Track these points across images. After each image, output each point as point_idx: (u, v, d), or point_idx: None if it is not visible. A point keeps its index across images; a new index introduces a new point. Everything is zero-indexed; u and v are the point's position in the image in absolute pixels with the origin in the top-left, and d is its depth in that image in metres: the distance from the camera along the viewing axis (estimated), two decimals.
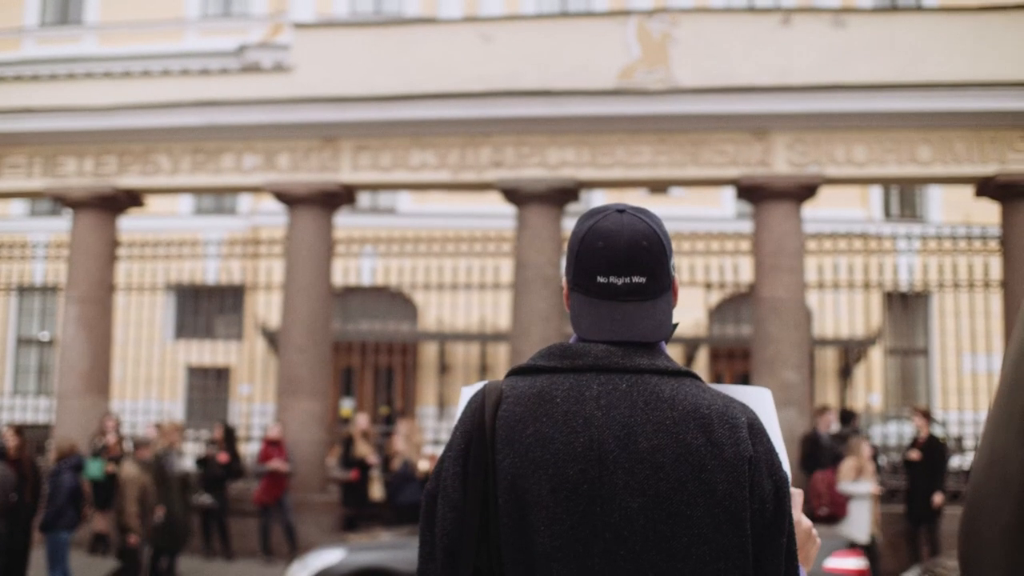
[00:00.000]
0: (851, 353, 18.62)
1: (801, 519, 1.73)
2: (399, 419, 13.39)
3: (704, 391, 1.66)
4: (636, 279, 1.68)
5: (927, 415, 11.70)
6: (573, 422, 1.61)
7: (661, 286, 1.71)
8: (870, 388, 17.68)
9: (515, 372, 1.73)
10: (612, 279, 1.68)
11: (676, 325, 1.76)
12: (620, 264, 1.67)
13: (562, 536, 1.57)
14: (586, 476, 1.58)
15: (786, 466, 1.68)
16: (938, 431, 12.82)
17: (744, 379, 15.63)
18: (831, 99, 11.99)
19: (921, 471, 11.35)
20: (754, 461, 1.60)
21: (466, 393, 1.77)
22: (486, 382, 1.74)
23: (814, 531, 1.77)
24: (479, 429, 1.66)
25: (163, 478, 10.61)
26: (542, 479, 1.59)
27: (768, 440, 1.66)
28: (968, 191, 13.09)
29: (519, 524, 1.59)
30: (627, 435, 1.59)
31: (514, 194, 12.69)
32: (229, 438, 12.90)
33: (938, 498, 11.08)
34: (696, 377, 1.70)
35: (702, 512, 1.56)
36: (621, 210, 1.73)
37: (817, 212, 15.81)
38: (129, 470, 10.10)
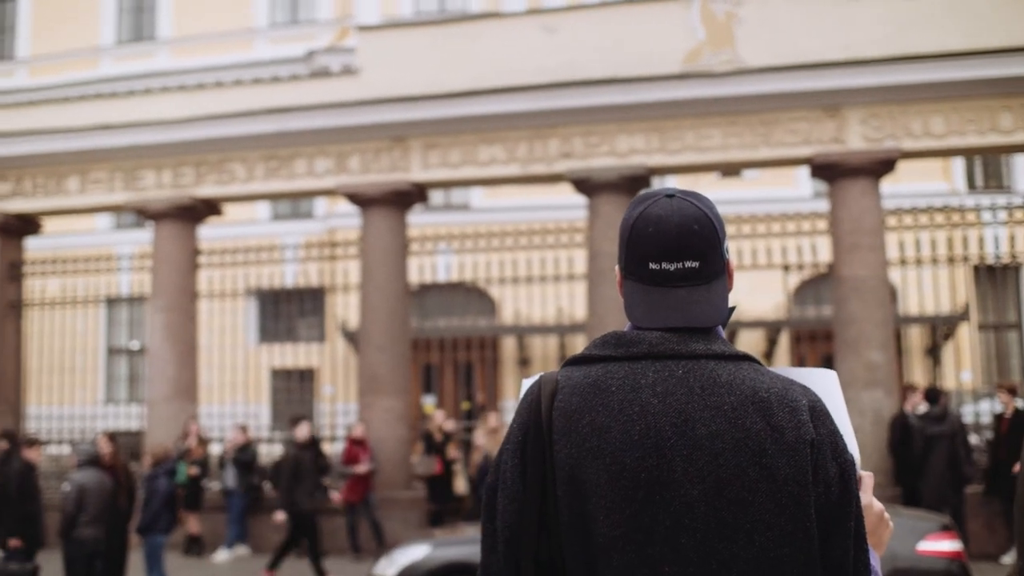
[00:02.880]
0: (939, 330, 18.17)
1: (872, 502, 1.69)
2: (483, 412, 13.43)
3: (763, 374, 1.63)
4: (689, 264, 1.66)
5: (1013, 390, 11.38)
6: (629, 410, 1.59)
7: (715, 270, 1.68)
8: (960, 365, 17.26)
9: (571, 362, 1.72)
10: (664, 265, 1.66)
11: (733, 309, 1.73)
12: (672, 249, 1.65)
13: (622, 525, 1.56)
14: (644, 464, 1.56)
15: (853, 448, 1.65)
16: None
17: (827, 361, 15.36)
18: (903, 71, 11.69)
19: (1007, 448, 11.04)
20: (816, 444, 1.57)
21: (526, 384, 1.77)
22: (542, 373, 1.74)
23: (886, 515, 1.73)
24: (536, 421, 1.65)
25: None
26: (600, 469, 1.58)
27: (831, 422, 1.62)
28: None
29: (579, 514, 1.59)
30: (684, 422, 1.57)
31: (585, 184, 12.65)
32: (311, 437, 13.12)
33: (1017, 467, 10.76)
34: (755, 360, 1.67)
35: (764, 497, 1.54)
36: (671, 195, 1.70)
37: (898, 187, 15.46)
38: None
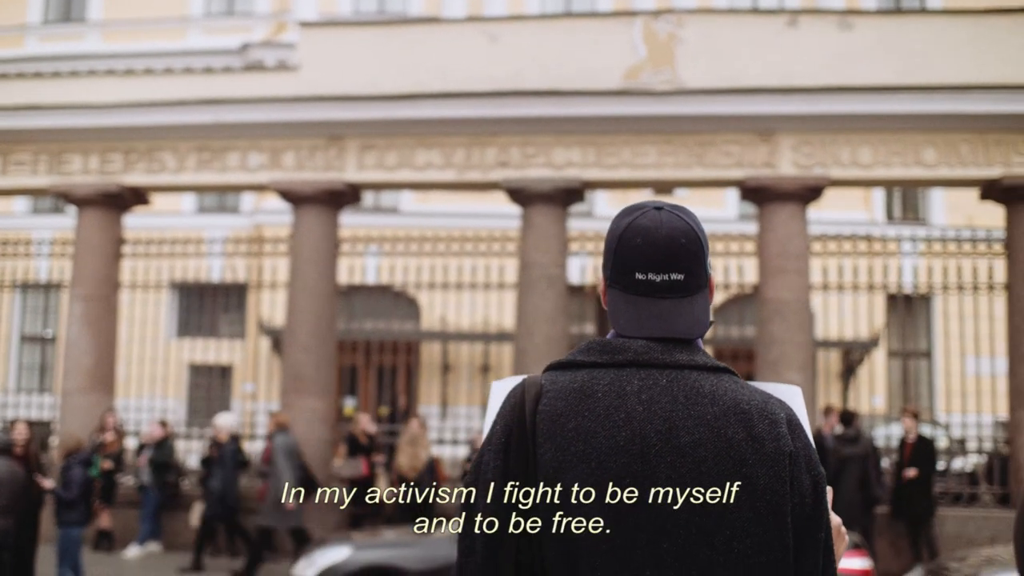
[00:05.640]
0: (854, 355, 18.63)
1: (832, 516, 1.74)
2: (408, 419, 13.36)
3: (743, 387, 1.68)
4: (674, 276, 1.69)
5: (916, 415, 11.84)
6: (615, 416, 1.62)
7: (699, 283, 1.72)
8: (873, 390, 17.70)
9: (555, 367, 1.74)
10: (650, 276, 1.69)
11: (712, 322, 1.77)
12: (658, 261, 1.69)
13: (605, 529, 1.58)
14: (628, 470, 1.59)
15: None
16: (927, 431, 13.02)
17: (748, 380, 15.60)
18: (837, 101, 12.00)
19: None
20: (794, 456, 1.62)
21: (497, 388, 1.77)
22: (524, 377, 1.75)
23: (843, 529, 1.79)
24: (519, 423, 1.66)
25: None
26: (584, 472, 1.60)
27: (807, 436, 1.68)
28: (971, 193, 13.11)
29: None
30: (668, 429, 1.61)
31: (519, 194, 12.70)
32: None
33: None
34: (734, 373, 1.72)
35: (743, 506, 1.58)
36: (659, 207, 1.74)
37: (820, 214, 15.82)
38: None
